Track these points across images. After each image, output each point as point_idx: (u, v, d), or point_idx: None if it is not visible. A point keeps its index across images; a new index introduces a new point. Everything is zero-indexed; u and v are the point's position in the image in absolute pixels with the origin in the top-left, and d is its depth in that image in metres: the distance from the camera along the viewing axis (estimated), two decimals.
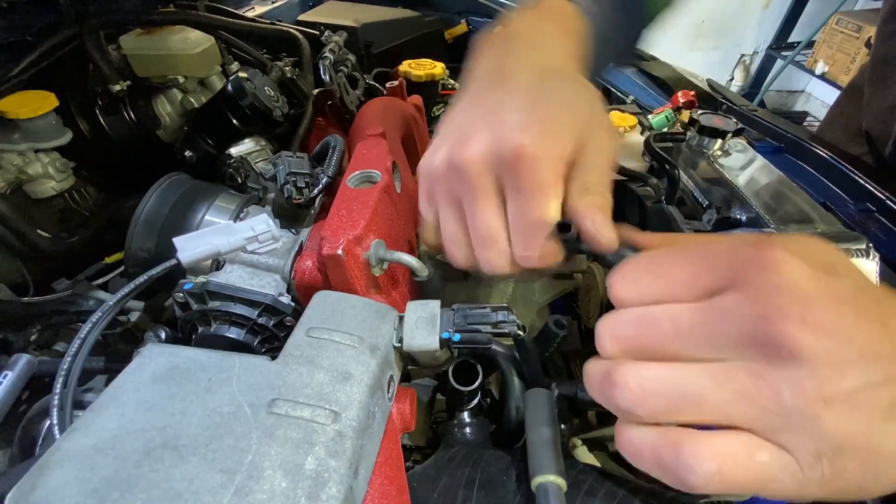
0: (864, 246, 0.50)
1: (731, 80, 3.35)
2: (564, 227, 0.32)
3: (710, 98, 0.99)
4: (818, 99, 3.23)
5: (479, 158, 0.34)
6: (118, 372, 0.29)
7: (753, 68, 3.29)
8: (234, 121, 0.71)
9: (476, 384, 0.40)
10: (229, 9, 0.96)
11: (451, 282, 0.61)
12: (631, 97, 1.03)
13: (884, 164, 0.85)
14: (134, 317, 0.56)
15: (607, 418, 0.47)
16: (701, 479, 0.22)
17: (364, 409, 0.29)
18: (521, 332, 0.37)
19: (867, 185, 0.73)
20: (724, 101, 0.98)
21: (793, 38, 3.07)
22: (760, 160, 0.66)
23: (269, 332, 0.47)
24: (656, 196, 0.61)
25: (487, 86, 0.38)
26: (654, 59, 1.21)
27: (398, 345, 0.36)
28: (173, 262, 0.40)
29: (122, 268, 0.66)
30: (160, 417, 0.26)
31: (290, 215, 0.53)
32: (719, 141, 0.67)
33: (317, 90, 0.82)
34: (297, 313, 0.42)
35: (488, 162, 0.34)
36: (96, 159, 0.78)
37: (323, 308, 0.36)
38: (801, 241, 0.24)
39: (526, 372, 0.40)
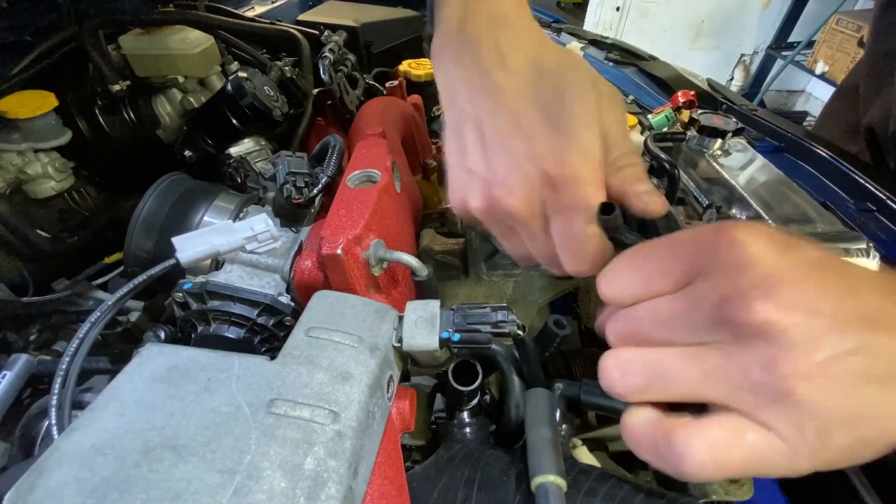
0: (864, 246, 0.50)
1: (731, 79, 3.35)
2: (608, 209, 0.31)
3: (709, 98, 0.99)
4: (818, 99, 3.23)
5: (522, 204, 0.33)
6: (117, 372, 0.29)
7: (753, 68, 3.29)
8: (234, 120, 0.71)
9: (476, 384, 0.39)
10: (229, 8, 0.95)
11: (450, 281, 0.61)
12: (631, 97, 1.03)
13: (881, 161, 0.85)
14: (133, 317, 0.56)
15: (608, 419, 0.47)
16: (694, 467, 0.23)
17: (363, 409, 0.29)
18: (520, 332, 0.37)
19: (867, 185, 0.73)
20: (723, 100, 0.98)
21: (793, 37, 3.07)
22: (760, 160, 0.66)
23: (268, 331, 0.47)
24: None
25: (488, 100, 0.35)
26: (653, 58, 1.21)
27: (398, 345, 0.36)
28: (172, 261, 0.40)
29: (121, 268, 0.66)
30: (159, 417, 0.26)
31: (290, 215, 0.53)
32: (719, 140, 0.67)
33: (316, 90, 0.82)
34: (297, 313, 0.42)
35: (531, 198, 0.33)
36: (96, 159, 0.78)
37: (322, 308, 0.36)
38: (758, 224, 0.26)
39: (526, 372, 0.40)
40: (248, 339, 0.47)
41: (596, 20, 3.06)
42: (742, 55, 3.26)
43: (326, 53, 0.75)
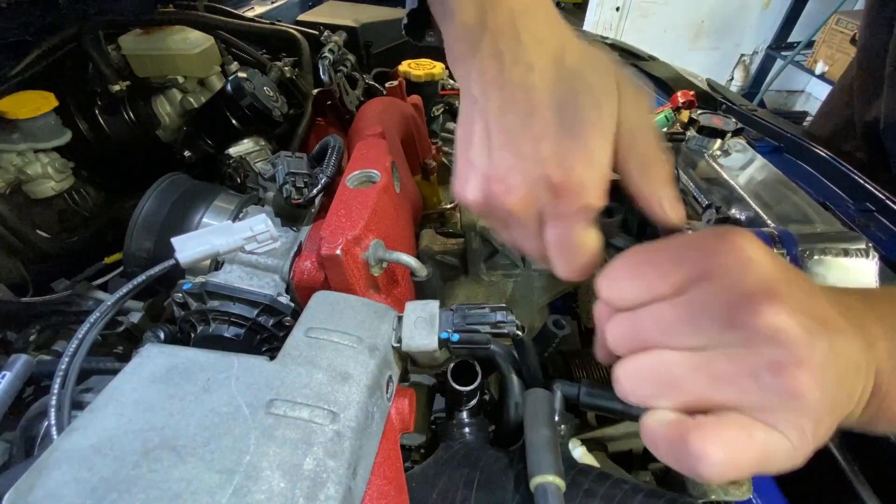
0: (863, 246, 0.50)
1: (731, 79, 3.35)
2: (609, 212, 0.31)
3: (709, 98, 0.99)
4: (818, 99, 3.22)
5: (519, 204, 0.33)
6: (117, 372, 0.29)
7: (753, 68, 3.29)
8: (234, 121, 0.71)
9: (475, 384, 0.40)
10: (229, 9, 0.96)
11: (450, 281, 0.61)
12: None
13: (877, 159, 0.85)
14: (133, 317, 0.56)
15: (607, 419, 0.47)
16: (710, 467, 0.23)
17: (363, 410, 0.29)
18: (520, 333, 0.37)
19: (867, 185, 0.73)
20: (723, 100, 0.98)
21: (792, 38, 3.07)
22: (760, 160, 0.66)
23: (267, 331, 0.47)
24: None
25: (501, 94, 0.34)
26: (653, 58, 1.21)
27: (397, 345, 0.36)
28: (172, 262, 0.40)
29: (121, 268, 0.66)
30: (159, 417, 0.26)
31: (290, 215, 0.53)
32: (719, 141, 0.67)
33: (316, 90, 0.83)
34: (296, 313, 0.42)
35: (528, 200, 0.33)
36: (96, 159, 0.79)
37: (322, 308, 0.36)
38: (749, 232, 0.26)
39: (525, 372, 0.40)
40: (248, 340, 0.47)
41: (596, 20, 3.07)
42: (742, 55, 3.26)
43: (326, 54, 0.75)
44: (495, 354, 0.39)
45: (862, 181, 0.73)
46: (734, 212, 0.59)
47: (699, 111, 0.71)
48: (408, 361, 0.41)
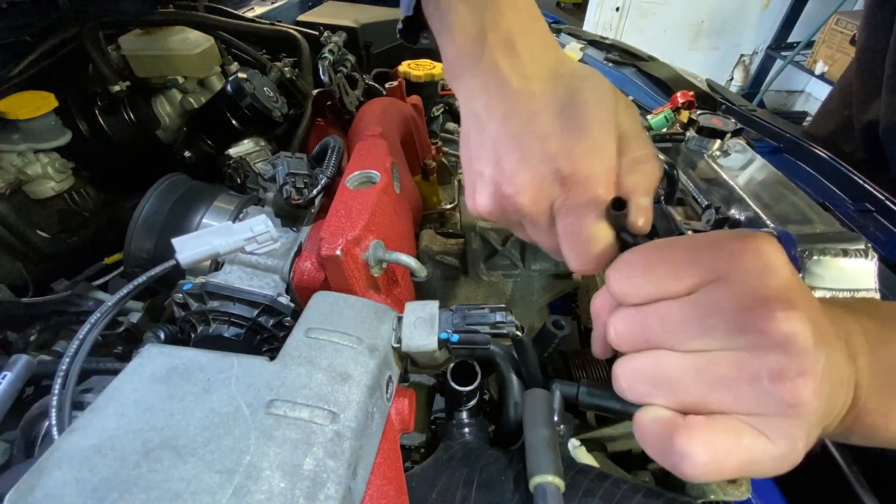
0: (862, 246, 0.50)
1: (731, 80, 3.35)
2: (619, 204, 0.31)
3: (709, 98, 0.99)
4: (818, 99, 3.23)
5: (530, 201, 0.33)
6: (118, 372, 0.29)
7: (753, 68, 3.29)
8: (234, 121, 0.71)
9: (475, 385, 0.40)
10: (229, 9, 0.96)
11: (450, 281, 0.61)
12: (630, 97, 1.03)
13: (877, 159, 0.85)
14: (133, 317, 0.56)
15: (606, 419, 0.47)
16: (693, 468, 0.24)
17: (363, 410, 0.29)
18: (519, 333, 0.37)
19: (866, 185, 0.73)
20: (723, 101, 0.99)
21: (792, 38, 3.07)
22: (759, 160, 0.66)
23: (268, 332, 0.47)
24: (656, 197, 0.61)
25: (503, 104, 0.35)
26: (653, 59, 1.21)
27: (397, 345, 0.36)
28: (172, 262, 0.40)
29: (121, 268, 0.66)
30: (159, 418, 0.26)
31: (289, 216, 0.53)
32: (718, 141, 0.67)
33: (316, 90, 0.83)
34: (296, 314, 0.42)
35: (539, 196, 0.33)
36: (96, 160, 0.79)
37: (322, 308, 0.36)
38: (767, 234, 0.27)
39: (524, 372, 0.40)
40: (248, 340, 0.47)
41: (596, 20, 3.07)
42: (742, 55, 3.26)
43: (326, 54, 0.75)
44: (495, 355, 0.39)
45: (861, 182, 0.74)
46: (734, 212, 0.59)
47: (699, 111, 0.71)
48: (407, 362, 0.41)
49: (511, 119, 0.34)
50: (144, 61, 0.78)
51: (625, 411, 0.35)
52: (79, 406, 0.39)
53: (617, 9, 3.00)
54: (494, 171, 0.35)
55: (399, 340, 0.36)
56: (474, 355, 0.40)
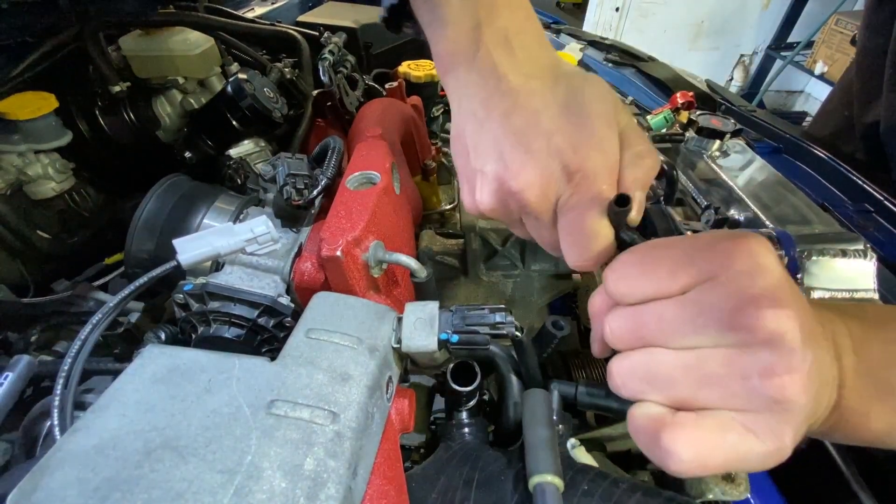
0: (861, 246, 0.50)
1: (731, 80, 3.35)
2: (622, 201, 0.31)
3: (708, 99, 0.99)
4: (817, 99, 3.23)
5: (537, 197, 0.33)
6: (119, 372, 0.30)
7: (753, 68, 3.29)
8: (234, 122, 0.71)
9: (474, 385, 0.40)
10: (229, 10, 0.96)
11: (450, 282, 0.61)
12: (630, 97, 1.03)
13: (877, 160, 0.85)
14: (134, 318, 0.56)
15: (606, 419, 0.47)
16: (677, 465, 0.25)
17: (363, 410, 0.30)
18: (518, 334, 0.37)
19: (865, 186, 0.73)
20: (722, 101, 0.99)
21: (792, 38, 3.07)
22: (759, 161, 0.66)
23: (268, 332, 0.47)
24: (655, 197, 0.61)
25: (504, 101, 0.34)
26: (652, 59, 1.21)
27: (397, 346, 0.36)
28: (173, 263, 0.41)
29: (121, 269, 0.67)
30: (160, 418, 0.27)
31: (290, 216, 0.53)
32: (718, 142, 0.67)
33: (316, 91, 0.83)
34: (297, 314, 0.42)
35: (546, 192, 0.33)
36: (96, 160, 0.79)
37: (322, 309, 0.36)
38: (760, 235, 0.27)
39: (524, 373, 0.40)
40: (249, 340, 0.47)
41: (595, 20, 3.07)
42: (741, 55, 3.26)
43: (326, 55, 0.75)
44: (494, 355, 0.39)
45: (860, 182, 0.74)
46: (733, 212, 0.59)
47: (698, 112, 0.71)
48: (407, 362, 0.41)
49: (513, 115, 0.34)
50: (145, 62, 0.78)
51: (622, 410, 0.35)
52: (80, 406, 0.39)
53: (617, 9, 3.00)
54: (498, 168, 0.34)
55: (399, 341, 0.36)
56: (474, 356, 0.41)
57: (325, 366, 0.31)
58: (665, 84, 1.05)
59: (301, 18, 1.12)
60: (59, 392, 0.33)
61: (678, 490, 0.40)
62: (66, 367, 0.34)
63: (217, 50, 0.86)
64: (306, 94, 0.83)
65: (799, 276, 0.49)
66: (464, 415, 0.42)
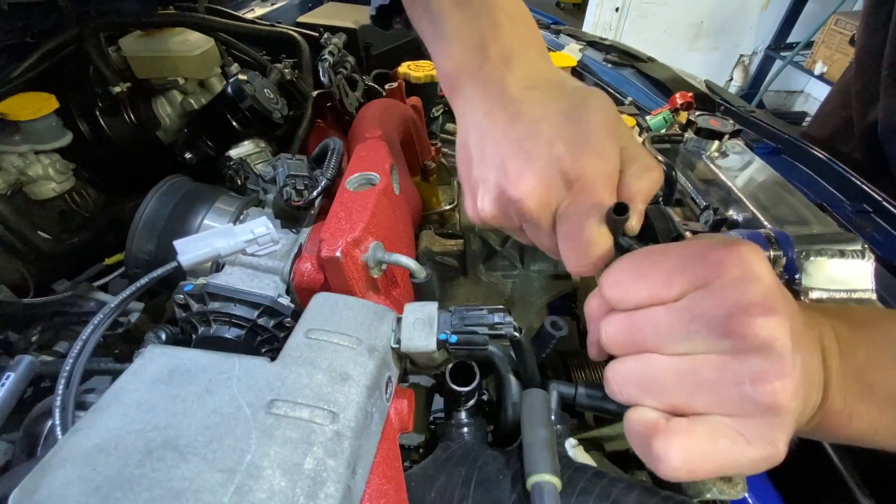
0: (859, 247, 0.51)
1: (730, 80, 3.35)
2: (621, 210, 0.31)
3: (707, 99, 0.99)
4: (817, 99, 3.23)
5: (536, 205, 0.33)
6: (119, 373, 0.30)
7: (752, 69, 3.29)
8: (234, 123, 0.71)
9: (473, 385, 0.40)
10: (229, 10, 0.96)
11: (449, 282, 0.61)
12: (629, 98, 1.04)
13: (876, 161, 0.85)
14: (134, 318, 0.57)
15: (604, 419, 0.47)
16: (667, 470, 0.25)
17: (362, 410, 0.30)
18: (517, 334, 0.37)
19: (864, 186, 0.73)
20: (721, 102, 0.99)
21: (791, 38, 3.07)
22: (758, 161, 0.66)
23: (268, 332, 0.48)
24: (654, 197, 0.61)
25: (506, 111, 0.35)
26: (652, 60, 1.21)
27: (396, 346, 0.36)
28: (174, 264, 0.41)
29: (122, 269, 0.67)
30: (161, 418, 0.27)
31: (290, 217, 0.53)
32: (717, 142, 0.67)
33: (316, 92, 0.83)
34: (297, 314, 0.42)
35: (546, 199, 0.33)
36: (97, 161, 0.79)
37: (322, 310, 0.36)
38: (752, 243, 0.28)
39: (523, 373, 0.40)
40: (249, 341, 0.47)
41: (595, 21, 3.07)
42: (741, 56, 3.27)
43: (326, 55, 0.76)
44: (493, 356, 0.40)
45: (859, 183, 0.74)
46: (732, 213, 0.59)
47: (697, 113, 0.71)
48: (406, 362, 0.42)
49: (515, 124, 0.34)
50: (145, 62, 0.78)
51: (620, 412, 0.35)
52: (81, 406, 0.39)
53: (616, 9, 3.00)
54: (498, 176, 0.35)
55: (398, 341, 0.36)
56: (473, 356, 0.41)
57: (325, 366, 0.31)
58: (664, 85, 1.06)
59: (301, 19, 1.12)
60: (60, 392, 0.33)
61: (675, 489, 0.40)
62: (67, 368, 0.34)
63: (217, 51, 0.86)
64: (306, 94, 0.83)
65: (797, 276, 0.49)
66: (463, 415, 0.42)
